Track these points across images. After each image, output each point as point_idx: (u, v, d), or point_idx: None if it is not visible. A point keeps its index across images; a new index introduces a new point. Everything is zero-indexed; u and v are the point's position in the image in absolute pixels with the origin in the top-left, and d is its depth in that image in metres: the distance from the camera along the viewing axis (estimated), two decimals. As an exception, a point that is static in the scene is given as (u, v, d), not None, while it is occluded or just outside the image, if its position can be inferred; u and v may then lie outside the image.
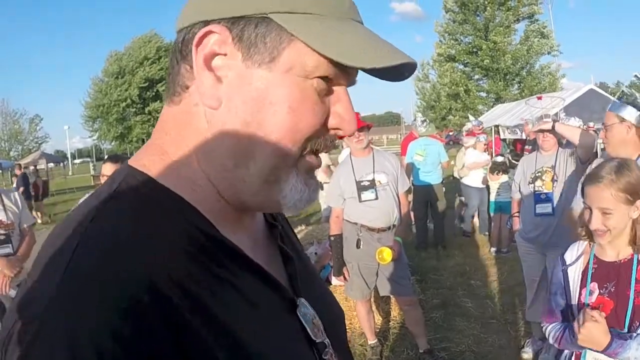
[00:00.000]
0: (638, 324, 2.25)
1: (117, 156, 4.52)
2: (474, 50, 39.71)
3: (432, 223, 10.22)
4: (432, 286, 7.39)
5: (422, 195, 9.60)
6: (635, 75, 4.45)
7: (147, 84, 59.29)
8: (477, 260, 9.23)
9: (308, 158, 0.82)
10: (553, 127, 4.72)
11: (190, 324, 0.67)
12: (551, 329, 2.55)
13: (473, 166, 10.23)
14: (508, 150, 13.54)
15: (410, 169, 9.31)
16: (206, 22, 0.77)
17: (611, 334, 2.21)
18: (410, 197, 9.16)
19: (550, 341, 2.56)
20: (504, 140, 16.04)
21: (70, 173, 58.42)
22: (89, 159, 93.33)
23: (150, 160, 0.82)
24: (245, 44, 0.76)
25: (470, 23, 39.70)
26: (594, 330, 2.18)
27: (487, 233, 10.48)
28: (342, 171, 4.91)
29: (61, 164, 55.91)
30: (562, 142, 5.11)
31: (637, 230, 2.29)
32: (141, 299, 0.64)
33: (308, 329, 0.88)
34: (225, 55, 0.77)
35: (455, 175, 11.00)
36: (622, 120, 3.57)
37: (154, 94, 60.17)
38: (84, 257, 0.67)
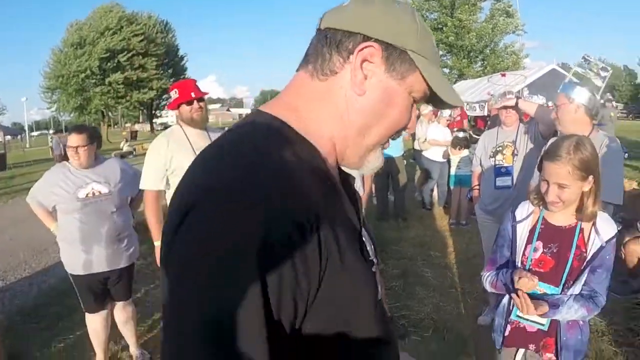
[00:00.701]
0: (572, 282, 2.52)
1: (82, 126, 4.54)
2: (439, 26, 40.12)
3: (392, 195, 10.42)
4: (392, 256, 7.58)
5: (383, 167, 9.57)
6: (584, 57, 4.66)
7: (107, 54, 58.07)
8: (436, 231, 9.50)
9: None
10: (516, 103, 4.92)
11: (326, 238, 0.98)
12: (488, 276, 2.81)
13: (435, 143, 10.45)
14: (470, 126, 13.84)
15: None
16: (367, 37, 1.11)
17: (546, 300, 2.49)
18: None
19: (487, 287, 2.82)
20: (484, 117, 16.38)
21: (27, 146, 57.60)
22: (47, 131, 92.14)
23: (287, 113, 1.15)
24: (390, 62, 1.13)
25: (437, 0, 40.04)
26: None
27: (446, 205, 10.79)
28: (174, 147, 4.13)
29: (19, 137, 55.05)
30: (523, 118, 5.31)
31: (585, 201, 2.49)
32: (304, 216, 0.95)
33: (368, 249, 1.23)
34: (372, 63, 1.12)
35: (416, 147, 11.20)
36: (571, 100, 3.80)
37: (114, 65, 59.08)
38: (269, 175, 0.97)
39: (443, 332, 5.35)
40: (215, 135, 4.20)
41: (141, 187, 4.20)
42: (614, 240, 2.56)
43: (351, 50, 1.12)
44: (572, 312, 2.53)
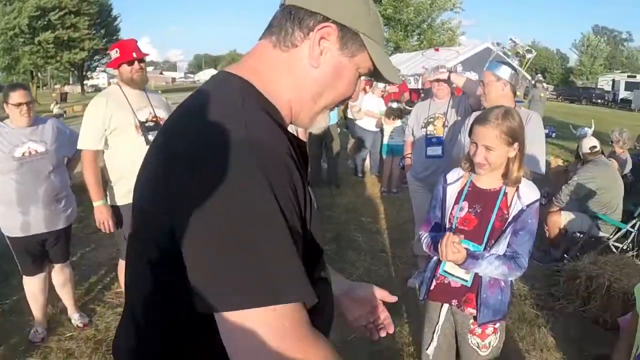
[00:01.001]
0: (493, 241, 2.73)
1: (23, 84, 4.48)
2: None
3: (326, 162, 10.62)
4: (325, 222, 7.78)
5: (317, 135, 9.72)
6: (511, 39, 4.89)
7: (38, 12, 55.12)
8: (368, 199, 9.80)
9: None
10: (448, 77, 5.13)
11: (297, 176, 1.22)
12: (425, 237, 3.01)
13: (370, 113, 10.69)
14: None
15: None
16: (326, 18, 1.30)
17: (467, 253, 2.68)
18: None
19: (424, 247, 3.01)
20: (420, 89, 16.68)
21: (-51, 105, 55.02)
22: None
23: (251, 77, 1.33)
24: (343, 41, 1.33)
25: (377, -28, 40.11)
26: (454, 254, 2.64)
27: (378, 174, 11.09)
28: (113, 107, 4.14)
29: (-59, 96, 52.45)
30: (454, 92, 5.52)
31: (510, 167, 2.72)
32: (286, 152, 1.21)
33: (313, 197, 1.40)
34: (329, 41, 1.32)
35: (350, 116, 11.40)
36: (498, 78, 4.03)
37: (45, 23, 55.95)
38: (255, 129, 1.18)
39: None
40: (153, 97, 4.27)
41: (79, 147, 4.18)
42: (536, 205, 2.77)
43: (311, 28, 1.31)
44: (492, 267, 2.72)
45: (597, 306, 5.22)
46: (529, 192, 2.76)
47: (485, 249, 2.76)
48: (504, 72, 4.08)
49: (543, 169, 4.29)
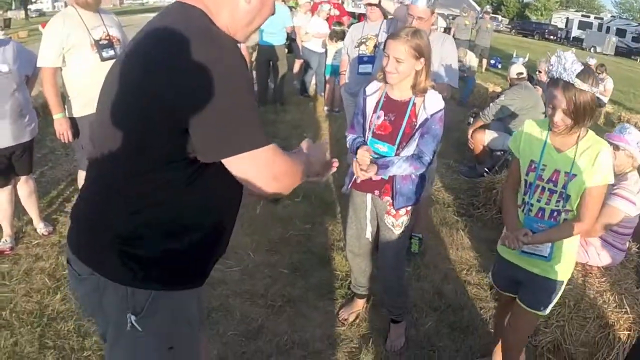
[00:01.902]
0: (404, 144, 3.23)
1: None
2: None
3: (272, 82, 10.89)
4: (269, 136, 8.04)
5: (265, 55, 10.07)
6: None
7: None
8: (311, 116, 10.28)
9: None
10: (379, 1, 5.57)
11: None
12: (350, 139, 3.52)
13: (317, 35, 11.01)
14: (355, 21, 14.44)
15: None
16: None
17: (377, 163, 3.21)
18: (255, 55, 9.82)
19: (348, 145, 3.54)
20: (353, 13, 16.98)
21: None
22: None
23: (201, 6, 1.75)
24: None
25: None
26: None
27: (322, 94, 11.44)
28: (70, 26, 4.37)
29: None
30: (387, 15, 5.94)
31: (417, 79, 3.19)
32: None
33: None
34: None
35: (301, 39, 11.58)
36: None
37: None
38: (220, 41, 1.69)
39: (311, 198, 6.25)
40: (106, 17, 4.55)
41: (39, 64, 4.42)
42: (439, 114, 3.24)
43: None
44: (401, 170, 3.26)
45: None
46: (434, 104, 3.21)
47: (398, 148, 3.24)
48: (421, 3, 4.44)
49: (457, 83, 4.88)
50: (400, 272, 3.73)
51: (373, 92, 3.41)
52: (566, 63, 2.59)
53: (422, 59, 3.14)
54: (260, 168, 1.70)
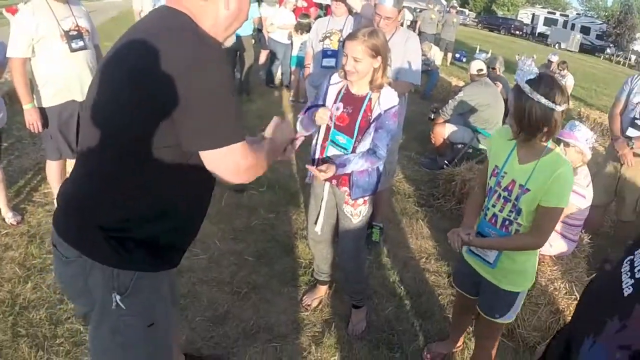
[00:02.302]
0: (361, 137, 3.39)
1: None
2: None
3: (239, 72, 10.89)
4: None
5: (232, 45, 9.97)
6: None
7: None
8: (277, 107, 10.40)
9: None
10: (344, -3, 5.71)
11: None
12: (300, 119, 3.63)
13: (283, 27, 11.07)
14: (323, 14, 14.53)
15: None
16: None
17: (335, 163, 3.31)
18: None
19: (298, 127, 3.62)
20: (320, 4, 17.04)
21: None
22: None
23: (186, 12, 1.92)
24: None
25: None
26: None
27: (288, 85, 11.57)
28: (40, 16, 4.38)
29: None
30: (353, 11, 6.06)
31: (374, 75, 3.34)
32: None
33: None
34: None
35: (267, 30, 11.64)
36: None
37: None
38: (205, 42, 1.89)
39: (275, 188, 6.37)
40: (75, 8, 4.59)
41: (9, 55, 4.40)
42: (393, 110, 3.40)
43: None
44: (358, 166, 3.40)
45: (469, 204, 6.08)
46: (388, 99, 3.37)
47: (355, 141, 3.40)
48: (388, 3, 4.57)
49: (419, 81, 5.01)
50: (360, 260, 3.90)
51: (336, 82, 3.56)
52: (523, 67, 2.61)
53: (379, 57, 3.28)
54: (232, 162, 1.89)
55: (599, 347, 1.38)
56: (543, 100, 2.52)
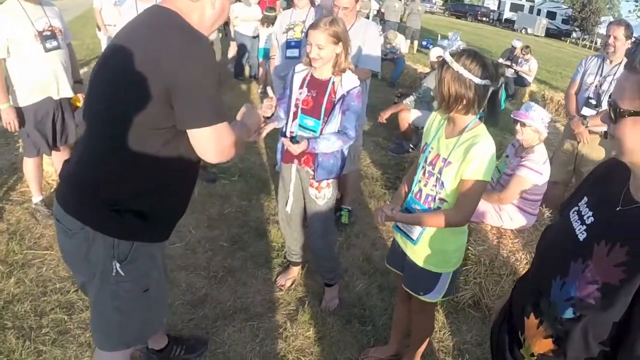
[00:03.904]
0: (326, 119, 3.58)
1: None
2: None
3: None
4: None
5: None
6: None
7: None
8: (246, 98, 10.51)
9: None
10: (306, -12, 5.86)
11: None
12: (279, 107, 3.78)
13: (246, 18, 11.16)
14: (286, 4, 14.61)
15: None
16: None
17: (307, 139, 3.52)
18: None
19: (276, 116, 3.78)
20: None
21: None
22: None
23: (177, 11, 2.15)
24: None
25: None
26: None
27: (256, 77, 11.68)
28: (13, 18, 4.48)
29: None
30: (315, 3, 6.20)
31: (338, 60, 3.53)
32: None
33: None
34: None
35: (232, 23, 11.72)
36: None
37: None
38: (195, 36, 2.15)
39: (247, 176, 6.56)
40: (48, 8, 4.68)
41: None
42: (355, 90, 3.57)
43: None
44: (330, 143, 3.58)
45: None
46: (349, 81, 3.57)
47: (322, 122, 3.57)
48: None
49: (379, 67, 5.24)
50: (329, 240, 4.09)
51: (301, 70, 3.75)
52: (451, 42, 2.71)
53: (340, 44, 3.48)
54: (215, 140, 2.15)
55: (569, 285, 1.56)
56: (461, 71, 2.55)
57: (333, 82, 3.58)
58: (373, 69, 5.12)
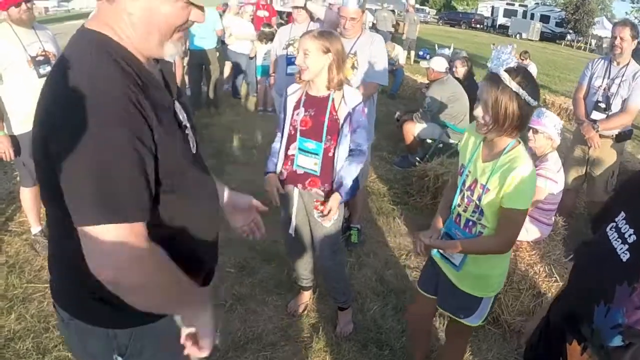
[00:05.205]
0: (330, 138, 3.43)
1: None
2: None
3: (205, 86, 10.76)
4: (205, 139, 8.21)
5: (197, 59, 10.01)
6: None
7: None
8: (245, 118, 10.38)
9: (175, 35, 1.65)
10: (305, 4, 5.76)
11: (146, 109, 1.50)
12: (270, 156, 3.73)
13: (241, 37, 11.04)
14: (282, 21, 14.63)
15: (187, 34, 9.70)
16: None
17: (337, 190, 3.45)
18: (186, 60, 9.85)
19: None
20: (281, 12, 17.18)
21: None
22: None
23: (104, 28, 1.57)
24: None
25: None
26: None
27: (255, 94, 11.53)
28: (4, 44, 4.40)
29: None
30: (315, 18, 6.11)
31: (331, 73, 3.36)
32: (129, 99, 1.45)
33: (180, 116, 1.76)
34: None
35: (226, 41, 11.60)
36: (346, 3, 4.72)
37: None
38: (99, 75, 1.46)
39: (252, 197, 6.29)
40: (41, 33, 4.57)
41: None
42: (359, 106, 3.46)
43: None
44: (353, 171, 3.48)
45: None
46: (353, 98, 3.44)
47: (324, 144, 3.42)
48: (352, 4, 4.67)
49: (386, 81, 5.15)
50: (338, 262, 3.91)
51: (294, 91, 3.60)
52: (502, 55, 2.45)
53: (330, 54, 3.32)
54: (93, 245, 1.47)
55: (615, 311, 1.45)
56: (521, 92, 2.42)
57: (333, 99, 3.43)
58: (381, 83, 5.02)
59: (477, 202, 2.67)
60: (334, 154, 3.47)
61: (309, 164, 3.51)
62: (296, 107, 3.53)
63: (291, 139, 3.55)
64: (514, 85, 2.41)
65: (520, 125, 2.52)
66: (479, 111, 2.54)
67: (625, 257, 1.51)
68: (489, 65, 2.51)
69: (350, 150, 3.49)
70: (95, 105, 1.41)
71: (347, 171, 3.46)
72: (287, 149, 3.60)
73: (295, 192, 3.70)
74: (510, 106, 2.44)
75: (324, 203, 3.55)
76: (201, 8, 1.65)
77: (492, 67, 2.48)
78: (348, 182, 3.47)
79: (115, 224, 1.42)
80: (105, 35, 1.57)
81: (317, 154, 3.47)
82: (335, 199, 3.42)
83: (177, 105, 1.77)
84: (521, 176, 2.50)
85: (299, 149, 3.51)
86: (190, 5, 1.60)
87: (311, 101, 3.48)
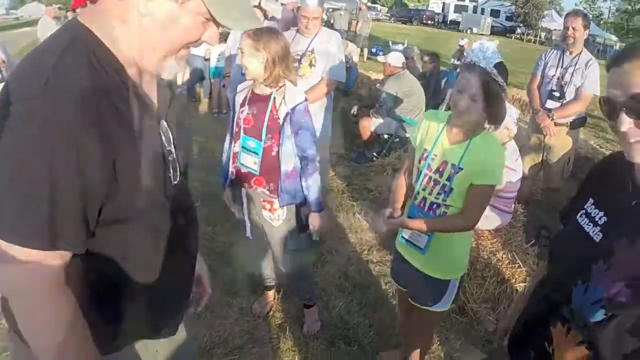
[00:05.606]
0: (270, 136, 3.36)
1: None
2: None
3: None
4: None
5: None
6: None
7: None
8: (200, 121, 10.34)
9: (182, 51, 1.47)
10: (259, 3, 5.79)
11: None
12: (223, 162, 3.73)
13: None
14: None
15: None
16: None
17: (311, 209, 3.50)
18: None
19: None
20: None
21: None
22: None
23: (93, 24, 1.36)
24: None
25: None
26: None
27: (209, 97, 11.51)
28: None
29: None
30: (269, 16, 6.07)
31: (265, 73, 3.27)
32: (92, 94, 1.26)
33: (163, 137, 1.55)
34: None
35: None
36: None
37: None
38: (62, 71, 1.25)
39: (210, 201, 6.16)
40: None
41: None
42: (301, 106, 3.37)
43: None
44: (313, 185, 3.47)
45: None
46: (293, 97, 3.35)
47: (264, 142, 3.36)
48: (313, 3, 4.76)
49: (344, 78, 5.21)
50: (295, 260, 3.84)
51: (242, 89, 3.58)
52: (487, 52, 2.65)
53: (264, 53, 3.24)
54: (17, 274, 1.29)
55: (593, 288, 1.51)
56: (505, 86, 2.67)
57: (274, 98, 3.37)
58: (339, 79, 5.02)
59: (446, 183, 2.77)
60: (277, 153, 3.41)
61: (250, 162, 3.47)
62: (242, 105, 3.49)
63: (237, 137, 3.51)
64: (499, 78, 2.62)
65: (498, 114, 2.75)
66: (464, 102, 2.64)
67: (598, 237, 1.58)
68: (473, 58, 2.67)
69: (301, 161, 3.46)
70: (42, 109, 1.21)
71: (307, 188, 3.48)
72: (233, 147, 3.57)
73: (243, 192, 3.67)
74: (497, 97, 2.66)
75: (271, 202, 3.54)
76: (218, 26, 1.45)
77: (483, 63, 2.62)
78: (313, 195, 3.48)
79: (27, 248, 1.24)
80: (93, 34, 1.36)
81: (257, 153, 3.41)
82: (315, 218, 3.51)
83: (164, 126, 1.57)
84: (494, 153, 2.73)
85: (242, 147, 3.46)
86: (209, 23, 1.41)
87: (255, 99, 3.44)
